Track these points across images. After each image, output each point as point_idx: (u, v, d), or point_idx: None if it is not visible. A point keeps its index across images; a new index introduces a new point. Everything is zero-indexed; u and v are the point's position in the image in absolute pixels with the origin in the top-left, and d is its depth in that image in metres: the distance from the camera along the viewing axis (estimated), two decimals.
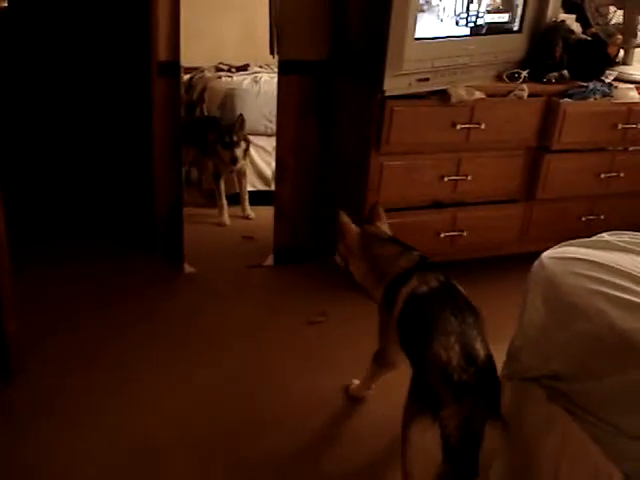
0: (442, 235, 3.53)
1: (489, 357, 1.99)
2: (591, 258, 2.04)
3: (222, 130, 4.70)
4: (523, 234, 3.71)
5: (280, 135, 3.77)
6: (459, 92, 3.19)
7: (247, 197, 4.39)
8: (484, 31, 3.33)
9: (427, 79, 3.14)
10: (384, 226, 2.69)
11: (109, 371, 2.89)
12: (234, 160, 4.48)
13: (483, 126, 3.33)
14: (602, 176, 3.70)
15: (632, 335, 1.76)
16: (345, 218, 2.59)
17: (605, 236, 2.20)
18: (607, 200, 3.83)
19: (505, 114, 3.39)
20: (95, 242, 4.08)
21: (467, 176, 3.45)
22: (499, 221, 3.64)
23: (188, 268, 3.79)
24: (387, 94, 3.09)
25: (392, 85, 3.06)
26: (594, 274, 1.97)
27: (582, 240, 2.18)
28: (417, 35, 3.01)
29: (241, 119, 4.67)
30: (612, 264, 1.99)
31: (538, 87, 3.46)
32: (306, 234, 4.00)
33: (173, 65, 3.55)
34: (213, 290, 3.64)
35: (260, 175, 5.15)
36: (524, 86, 3.38)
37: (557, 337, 2.00)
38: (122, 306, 3.39)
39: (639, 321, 1.78)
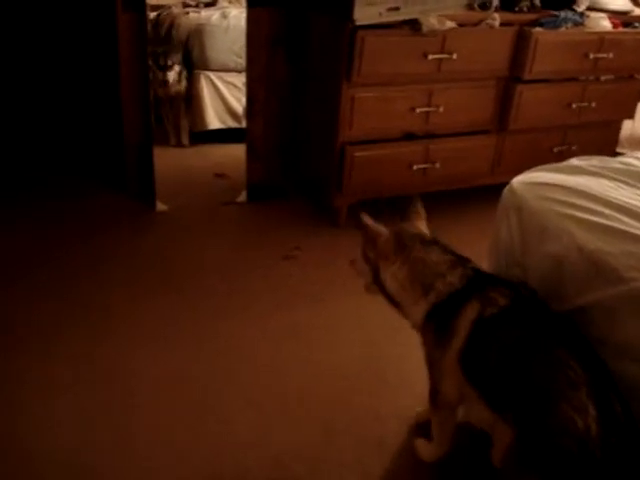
0: (415, 167, 3.52)
1: (629, 412, 1.61)
2: (560, 182, 2.06)
3: (157, 53, 4.66)
4: (495, 165, 3.72)
5: (250, 69, 3.71)
6: (430, 21, 3.15)
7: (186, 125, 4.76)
8: None
9: (398, 8, 3.09)
10: (422, 226, 2.15)
11: (80, 307, 2.87)
12: (165, 82, 4.51)
13: (455, 56, 3.30)
14: (574, 106, 3.71)
15: (599, 256, 1.79)
16: (369, 220, 2.04)
17: (574, 161, 2.22)
18: (579, 130, 3.85)
19: (477, 44, 3.36)
20: (65, 181, 4.04)
21: (439, 107, 3.43)
22: (471, 152, 3.64)
23: (160, 206, 3.76)
24: (357, 23, 3.04)
25: (362, 14, 3.01)
26: (563, 198, 1.99)
27: (552, 165, 2.20)
28: None
29: (179, 45, 4.72)
30: (581, 188, 2.01)
31: (510, 16, 3.44)
32: (279, 170, 3.98)
33: (138, 0, 3.45)
34: (186, 227, 3.62)
35: (231, 112, 5.11)
36: (496, 15, 3.35)
37: (531, 256, 2.02)
38: (93, 244, 3.36)
39: (606, 242, 1.81)
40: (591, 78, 3.72)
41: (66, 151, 4.35)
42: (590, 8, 3.65)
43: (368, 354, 2.70)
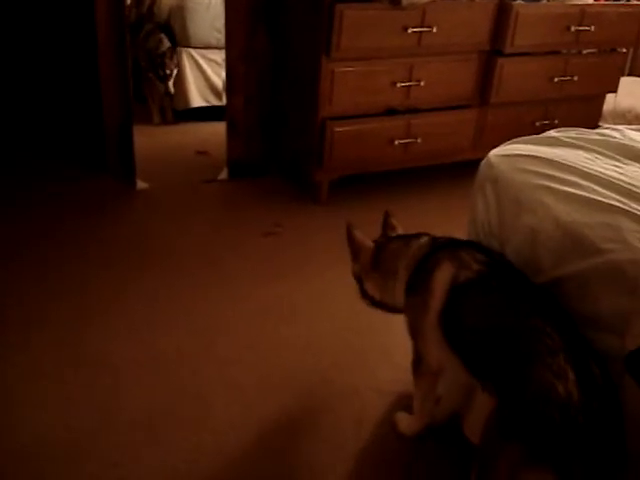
0: (396, 142, 3.51)
1: (606, 374, 1.60)
2: (537, 154, 2.04)
3: (156, 64, 4.74)
4: (477, 140, 3.71)
5: (229, 44, 3.67)
6: None
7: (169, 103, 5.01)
8: None
9: None
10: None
11: (60, 289, 2.85)
12: (168, 93, 4.87)
13: (435, 29, 3.28)
14: (555, 80, 3.69)
15: (575, 228, 1.77)
16: (357, 234, 2.12)
17: (552, 133, 2.20)
18: (561, 104, 3.83)
19: (457, 17, 3.34)
20: (45, 163, 4.01)
21: (420, 81, 3.42)
22: (453, 127, 3.63)
23: (141, 184, 3.74)
24: None
25: None
26: (539, 169, 1.97)
27: (529, 137, 2.18)
28: None
29: (171, 51, 4.80)
30: (557, 159, 1.99)
31: None
32: (260, 146, 3.95)
33: None
34: (167, 205, 3.61)
35: (213, 89, 5.08)
36: None
37: (507, 228, 2.00)
38: (73, 225, 3.34)
39: (582, 214, 1.79)
40: (573, 51, 3.71)
41: (46, 133, 4.31)
42: None
43: (348, 329, 2.70)
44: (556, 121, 3.80)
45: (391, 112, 3.47)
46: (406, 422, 2.20)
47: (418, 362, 2.03)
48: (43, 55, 4.43)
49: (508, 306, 1.75)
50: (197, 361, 2.50)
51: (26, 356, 2.46)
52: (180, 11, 5.00)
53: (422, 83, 3.41)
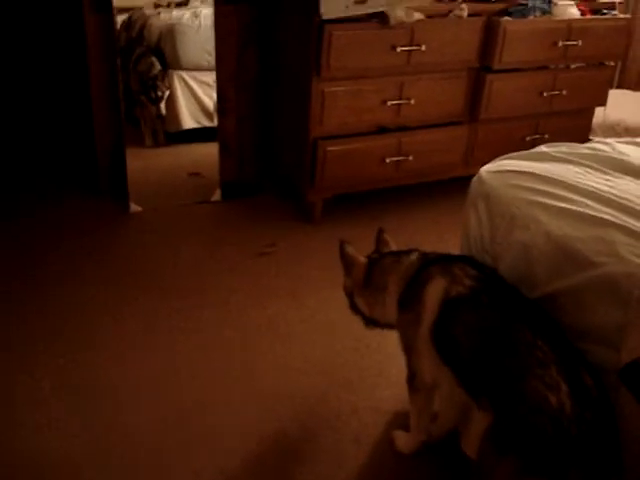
0: (388, 160, 3.51)
1: (600, 385, 1.62)
2: (528, 169, 2.06)
3: (148, 86, 4.75)
4: (468, 156, 3.72)
5: (219, 66, 3.71)
6: (398, 14, 3.14)
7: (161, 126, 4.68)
8: None
9: (364, 1, 3.08)
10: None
11: (57, 313, 2.85)
12: (160, 116, 4.64)
13: (424, 48, 3.30)
14: (545, 94, 3.71)
15: (567, 242, 1.79)
16: (350, 250, 2.15)
17: (542, 148, 2.23)
18: (551, 119, 3.85)
19: (446, 35, 3.36)
20: (39, 185, 4.01)
21: (410, 99, 3.43)
22: (444, 144, 3.64)
23: (134, 207, 3.73)
24: (324, 17, 3.03)
25: (329, 8, 3.00)
26: (531, 185, 1.99)
27: (519, 153, 2.20)
28: None
29: (162, 73, 4.69)
30: (548, 174, 2.02)
31: (478, 6, 3.44)
32: (253, 167, 3.97)
33: (105, 1, 3.43)
34: (160, 228, 3.60)
35: (204, 110, 5.07)
36: (464, 5, 3.35)
37: (500, 244, 2.02)
38: (68, 249, 3.33)
39: (574, 228, 1.81)
40: (561, 66, 3.73)
41: (40, 155, 4.32)
42: None
43: (345, 347, 2.70)
44: (546, 136, 3.81)
45: (382, 130, 3.48)
46: (403, 440, 2.20)
47: (412, 378, 2.04)
48: (36, 78, 4.44)
49: (498, 321, 1.77)
50: (195, 382, 2.50)
51: (27, 380, 2.45)
52: (170, 34, 5.01)
53: (412, 101, 3.42)
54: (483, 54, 3.48)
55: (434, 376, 1.96)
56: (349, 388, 2.48)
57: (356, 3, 3.06)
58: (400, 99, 3.41)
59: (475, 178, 2.16)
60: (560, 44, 3.57)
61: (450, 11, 3.35)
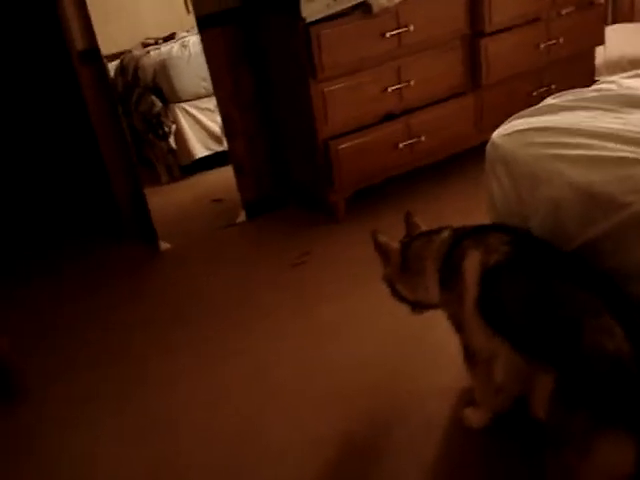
0: (401, 145, 3.50)
1: None
2: (539, 125, 2.05)
3: (152, 123, 4.83)
4: (479, 124, 3.69)
5: (217, 90, 3.73)
6: (380, 0, 3.14)
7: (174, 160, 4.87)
8: None
9: None
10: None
11: (107, 358, 2.90)
12: (170, 150, 4.80)
13: (412, 28, 3.29)
14: (541, 46, 3.68)
15: (592, 188, 1.77)
16: (382, 238, 2.14)
17: (549, 100, 2.21)
18: (553, 69, 3.81)
19: (431, 10, 3.35)
20: (66, 243, 4.08)
21: (410, 81, 3.42)
22: (452, 117, 3.62)
23: (164, 245, 3.78)
24: (308, 20, 3.05)
25: (310, 10, 3.02)
26: (545, 139, 1.98)
27: (527, 110, 2.19)
28: None
29: (164, 109, 4.79)
30: (560, 125, 2.00)
31: None
32: (270, 182, 3.98)
33: (93, 52, 3.48)
34: (192, 259, 3.65)
35: (212, 136, 5.11)
36: None
37: (527, 204, 2.00)
38: (106, 294, 3.39)
39: (597, 173, 1.79)
40: (552, 14, 3.69)
41: (62, 214, 4.38)
42: None
43: (394, 338, 2.70)
44: (553, 86, 3.76)
45: (389, 117, 3.48)
46: (473, 415, 2.20)
47: (468, 353, 2.04)
48: (45, 141, 4.50)
49: (541, 281, 1.76)
50: (249, 399, 2.53)
51: (78, 430, 2.51)
52: (163, 70, 5.06)
53: (412, 82, 3.42)
54: (472, 20, 3.47)
55: (489, 348, 1.95)
56: (407, 377, 2.48)
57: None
58: (400, 83, 3.41)
59: (489, 144, 2.15)
60: None
61: None
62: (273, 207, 3.94)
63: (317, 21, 3.09)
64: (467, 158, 3.69)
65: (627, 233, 1.70)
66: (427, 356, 2.56)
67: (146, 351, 2.91)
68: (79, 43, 3.44)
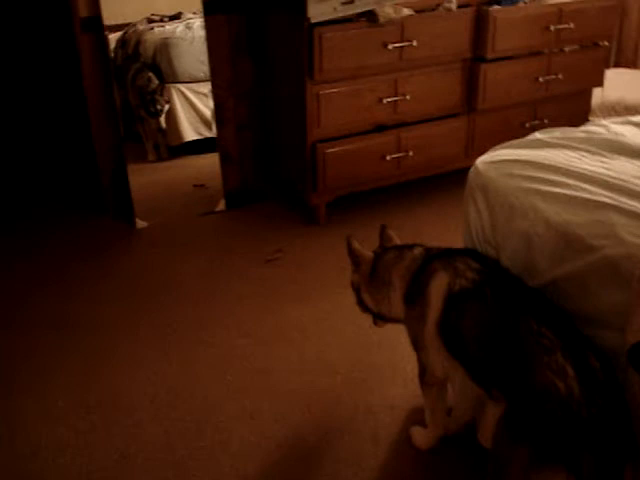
0: (388, 158, 3.51)
1: (607, 368, 1.61)
2: (523, 157, 2.06)
3: (147, 100, 4.84)
4: (469, 147, 3.72)
5: (214, 76, 3.69)
6: (386, 11, 3.15)
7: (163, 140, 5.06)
8: None
9: (352, 1, 3.09)
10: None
11: (72, 331, 2.88)
12: (160, 129, 4.94)
13: (415, 43, 3.30)
14: (540, 80, 3.70)
15: (566, 227, 1.78)
16: (357, 245, 2.17)
17: (537, 135, 2.22)
18: (549, 103, 3.84)
19: (436, 28, 3.36)
20: (44, 210, 4.05)
21: (406, 95, 3.43)
22: (443, 137, 3.64)
23: (140, 223, 3.76)
24: (313, 21, 3.05)
25: (316, 11, 3.02)
26: (527, 173, 1.99)
27: (514, 141, 2.20)
28: None
29: (160, 87, 4.89)
30: (544, 161, 2.01)
31: None
32: (255, 175, 3.97)
33: (95, 20, 3.45)
34: (167, 241, 3.63)
35: (204, 121, 5.12)
36: None
37: (501, 234, 2.02)
38: (77, 268, 3.36)
39: (572, 213, 1.81)
40: (555, 50, 3.72)
41: (43, 178, 4.35)
42: None
43: (358, 348, 2.70)
44: (546, 121, 3.80)
45: (380, 128, 3.49)
46: (421, 435, 2.21)
47: (423, 373, 2.05)
48: (33, 102, 4.46)
49: (502, 312, 1.77)
50: (211, 390, 2.52)
51: (40, 403, 2.48)
52: (165, 48, 5.06)
53: (408, 97, 3.43)
54: (475, 44, 3.49)
55: (445, 370, 1.96)
56: (364, 387, 2.49)
57: (344, 4, 3.07)
58: (396, 96, 3.42)
59: (472, 170, 2.16)
60: (552, 28, 3.57)
61: (439, 4, 3.34)
62: (254, 200, 3.94)
63: (322, 23, 3.09)
64: (453, 180, 3.70)
65: (593, 277, 1.71)
66: (386, 369, 2.57)
67: (111, 328, 2.90)
68: (83, 10, 3.40)
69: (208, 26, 3.59)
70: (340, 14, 3.10)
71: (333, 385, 2.52)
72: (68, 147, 4.28)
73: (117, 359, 2.71)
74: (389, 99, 3.41)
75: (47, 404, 2.47)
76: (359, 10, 3.15)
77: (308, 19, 3.04)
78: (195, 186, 4.34)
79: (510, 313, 1.75)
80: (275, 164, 3.88)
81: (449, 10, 3.33)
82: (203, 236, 3.68)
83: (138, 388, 2.54)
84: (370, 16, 3.16)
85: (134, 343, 2.80)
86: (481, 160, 2.15)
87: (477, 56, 3.52)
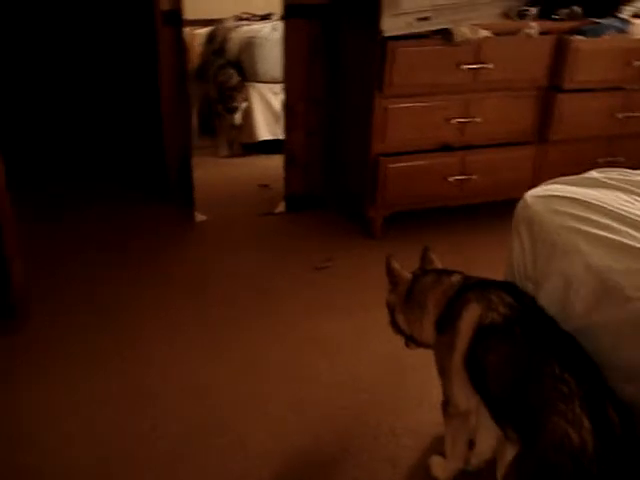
0: (451, 179, 3.46)
1: (628, 422, 1.54)
2: (573, 195, 1.99)
3: (225, 96, 4.89)
4: (537, 177, 3.60)
5: (287, 79, 3.74)
6: (463, 31, 3.11)
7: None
8: None
9: (428, 18, 3.06)
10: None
11: (117, 315, 2.95)
12: (232, 125, 4.89)
13: (491, 66, 3.24)
14: (619, 116, 3.58)
15: (606, 274, 1.72)
16: (396, 265, 2.15)
17: (593, 173, 2.15)
18: (625, 141, 3.71)
19: (514, 53, 3.29)
20: (109, 190, 4.18)
21: (476, 117, 3.38)
22: (510, 164, 3.56)
23: (199, 216, 3.82)
24: (386, 34, 3.03)
25: (390, 25, 2.99)
26: (575, 212, 1.93)
27: (568, 178, 2.13)
28: None
29: (240, 85, 4.89)
30: (594, 201, 1.94)
31: (548, 24, 3.34)
32: (319, 181, 3.98)
33: (175, 14, 3.53)
34: (223, 237, 3.68)
35: (280, 122, 5.13)
36: (534, 24, 3.27)
37: (541, 271, 1.96)
38: (132, 254, 3.45)
39: (614, 259, 1.74)
40: (636, 87, 3.58)
41: (114, 161, 4.47)
42: (636, 15, 3.52)
43: (391, 368, 2.67)
44: (620, 158, 3.68)
45: (446, 148, 3.44)
46: (439, 466, 2.16)
47: (446, 403, 2.00)
48: (113, 87, 4.59)
49: (528, 352, 1.71)
50: (235, 392, 2.53)
51: (68, 388, 2.54)
52: (249, 47, 5.11)
53: (478, 119, 3.37)
54: (554, 73, 3.39)
55: (468, 403, 1.92)
56: (390, 408, 2.46)
57: (419, 20, 3.04)
58: (466, 117, 3.37)
59: (520, 202, 2.11)
60: (635, 64, 3.44)
61: (519, 29, 3.27)
62: (314, 206, 3.95)
63: (396, 37, 3.06)
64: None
65: (627, 328, 1.65)
66: (415, 393, 2.53)
67: (148, 314, 2.96)
68: (164, 3, 3.48)
69: (286, 29, 3.63)
70: (415, 30, 3.07)
71: (359, 402, 2.49)
72: (144, 137, 4.37)
73: (150, 347, 2.76)
74: (458, 120, 3.36)
75: (73, 390, 2.52)
76: (435, 28, 3.11)
77: (381, 32, 3.01)
78: (260, 186, 4.37)
79: (535, 354, 1.69)
80: (338, 172, 3.88)
81: (529, 36, 3.26)
82: (258, 236, 3.72)
83: (163, 382, 2.57)
84: (446, 34, 3.12)
85: (169, 332, 2.85)
86: (531, 193, 2.09)
87: (554, 85, 3.42)
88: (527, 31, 3.26)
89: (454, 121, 3.36)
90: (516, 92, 3.42)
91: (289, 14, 3.58)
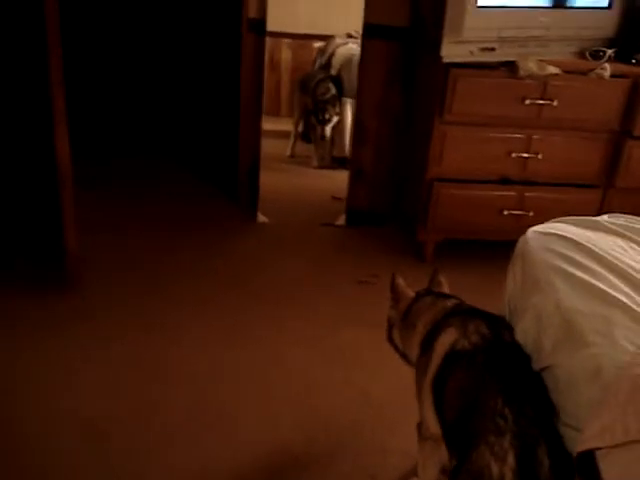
0: (506, 212, 3.42)
1: (562, 468, 1.52)
2: (569, 235, 1.96)
3: (319, 108, 5.02)
4: None
5: (361, 96, 3.81)
6: (529, 65, 3.08)
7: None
8: (567, 4, 3.18)
9: (493, 49, 3.06)
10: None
11: (162, 297, 3.16)
12: (322, 137, 5.10)
13: (555, 103, 3.19)
14: None
15: (572, 315, 1.69)
16: (401, 282, 2.17)
17: (603, 217, 2.11)
18: None
19: (583, 93, 3.23)
20: (182, 181, 4.46)
21: (538, 154, 3.33)
22: (572, 206, 3.45)
23: (261, 217, 3.96)
24: (445, 60, 3.06)
25: (451, 52, 3.02)
26: (563, 250, 1.89)
27: (575, 217, 2.10)
28: (481, 3, 2.94)
29: (335, 99, 5.06)
30: (586, 243, 1.90)
31: (624, 68, 3.25)
32: (383, 198, 4.03)
33: (260, 22, 3.67)
34: (279, 241, 3.81)
35: None
36: (606, 65, 3.19)
37: (521, 307, 1.94)
38: (189, 240, 3.69)
39: (583, 302, 1.70)
40: None
41: (190, 156, 4.74)
42: None
43: (402, 387, 2.66)
44: None
45: (504, 181, 3.41)
46: None
47: (420, 425, 2.01)
48: (197, 90, 4.80)
49: (480, 382, 1.70)
50: (247, 389, 2.64)
51: (101, 370, 2.70)
52: (349, 64, 5.24)
53: (540, 156, 3.32)
54: (625, 118, 3.29)
55: (437, 426, 1.90)
56: (387, 426, 2.49)
57: (483, 50, 3.05)
58: (527, 152, 3.33)
59: (522, 236, 2.09)
60: None
61: (591, 69, 3.20)
62: (374, 222, 4.01)
63: (459, 64, 3.08)
64: None
65: (580, 374, 1.61)
66: (416, 414, 2.53)
67: (187, 296, 3.18)
68: (251, 11, 3.64)
69: (365, 48, 3.71)
70: (477, 59, 3.08)
71: (361, 415, 2.54)
72: (217, 129, 4.56)
73: (180, 328, 2.94)
74: (519, 154, 3.32)
75: (109, 371, 2.68)
76: (499, 59, 3.11)
77: (441, 57, 3.04)
78: (333, 198, 4.46)
79: (485, 385, 1.68)
80: (402, 192, 3.91)
81: (601, 77, 3.19)
82: (312, 243, 3.82)
83: (188, 370, 2.71)
84: (510, 67, 3.11)
85: (202, 317, 3.03)
86: (533, 229, 2.08)
87: (625, 130, 3.33)
88: (599, 72, 3.19)
89: (515, 155, 3.32)
90: (583, 133, 3.34)
91: (369, 34, 3.65)
